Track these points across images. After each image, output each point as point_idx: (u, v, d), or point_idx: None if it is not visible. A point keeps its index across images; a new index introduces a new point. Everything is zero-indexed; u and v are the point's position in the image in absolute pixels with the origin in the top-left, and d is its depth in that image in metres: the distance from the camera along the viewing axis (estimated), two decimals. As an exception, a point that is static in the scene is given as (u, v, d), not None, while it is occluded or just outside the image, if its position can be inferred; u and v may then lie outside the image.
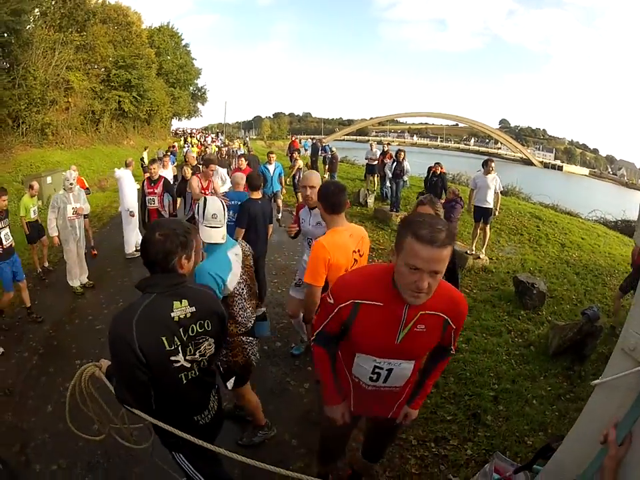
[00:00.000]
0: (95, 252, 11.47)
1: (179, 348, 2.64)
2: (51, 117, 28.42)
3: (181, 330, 2.63)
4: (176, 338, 2.61)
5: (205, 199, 3.97)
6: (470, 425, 5.11)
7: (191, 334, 2.69)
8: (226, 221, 3.97)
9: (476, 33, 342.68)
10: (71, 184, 8.75)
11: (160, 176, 10.15)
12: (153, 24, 57.19)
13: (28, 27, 25.71)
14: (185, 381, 2.73)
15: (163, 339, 2.55)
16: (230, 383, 4.13)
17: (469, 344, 7.03)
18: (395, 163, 15.71)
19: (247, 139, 58.18)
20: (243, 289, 4.12)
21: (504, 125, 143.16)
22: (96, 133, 37.41)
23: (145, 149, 29.17)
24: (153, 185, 9.95)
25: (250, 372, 4.40)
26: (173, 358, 2.61)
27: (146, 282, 2.64)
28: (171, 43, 58.35)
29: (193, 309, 2.68)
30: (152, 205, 9.93)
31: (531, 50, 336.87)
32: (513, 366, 6.53)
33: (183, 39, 61.23)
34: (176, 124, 69.23)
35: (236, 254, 4.07)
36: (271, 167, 13.62)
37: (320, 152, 24.15)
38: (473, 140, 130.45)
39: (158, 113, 50.17)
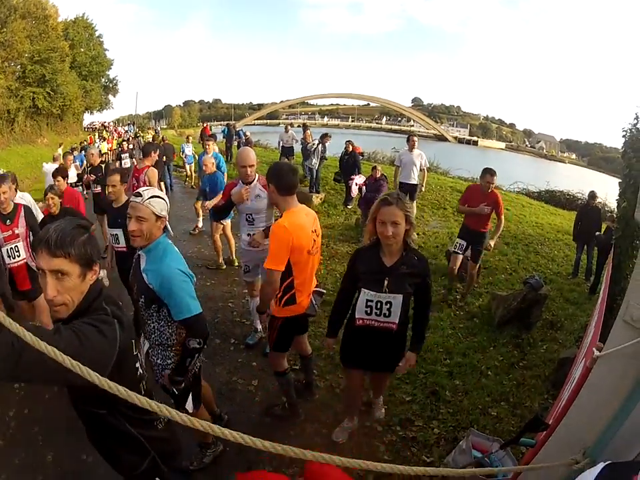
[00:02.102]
0: None
1: (138, 355, 2.42)
2: None
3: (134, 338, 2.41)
4: (133, 342, 2.35)
5: (159, 192, 3.48)
6: (431, 403, 5.04)
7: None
8: None
9: (392, 16, 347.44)
10: None
11: (16, 204, 5.87)
12: (69, 16, 55.23)
13: None
14: (143, 391, 2.48)
15: (132, 342, 2.31)
16: (189, 405, 3.70)
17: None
18: (319, 145, 15.45)
19: (158, 128, 57.28)
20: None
21: (417, 103, 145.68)
22: (11, 133, 36.55)
23: (60, 146, 28.43)
24: (5, 221, 5.63)
25: (200, 381, 4.00)
26: (137, 365, 2.39)
27: (94, 294, 2.23)
28: (84, 34, 56.60)
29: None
30: (15, 260, 5.74)
31: (447, 30, 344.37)
32: (461, 339, 6.55)
33: (96, 30, 59.52)
34: (88, 118, 66.93)
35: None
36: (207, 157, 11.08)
37: (234, 137, 23.83)
38: (384, 119, 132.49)
39: (70, 107, 48.89)
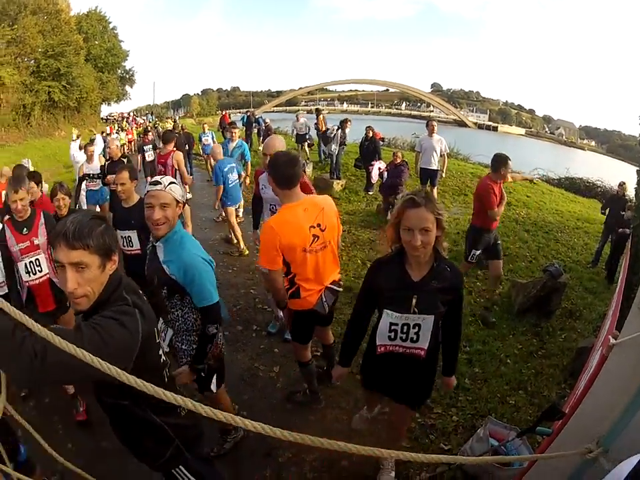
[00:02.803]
0: None
1: (160, 340, 2.43)
2: None
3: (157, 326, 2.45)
4: (156, 330, 2.35)
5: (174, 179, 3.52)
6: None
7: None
8: None
9: (409, 1, 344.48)
10: None
11: (35, 209, 5.11)
12: (82, 10, 55.04)
13: None
14: (166, 378, 2.50)
15: (155, 330, 2.31)
16: (214, 385, 3.76)
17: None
18: (339, 130, 15.41)
19: (177, 117, 57.29)
20: None
21: (436, 88, 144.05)
22: (28, 127, 36.52)
23: (77, 137, 28.58)
24: (21, 229, 4.85)
25: (223, 365, 4.03)
26: (160, 352, 2.41)
27: (114, 284, 2.21)
28: (98, 27, 56.27)
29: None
30: (36, 276, 4.92)
31: (465, 16, 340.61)
32: (480, 326, 6.55)
33: (110, 22, 59.17)
34: (105, 109, 66.73)
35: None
36: (232, 145, 11.42)
37: (254, 125, 23.78)
38: (404, 104, 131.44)
39: (87, 99, 48.48)
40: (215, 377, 3.73)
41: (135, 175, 5.68)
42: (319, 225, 4.02)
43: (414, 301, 2.96)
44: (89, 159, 10.42)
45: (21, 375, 1.74)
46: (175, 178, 8.76)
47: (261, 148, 17.07)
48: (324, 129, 16.90)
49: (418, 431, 4.48)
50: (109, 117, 62.78)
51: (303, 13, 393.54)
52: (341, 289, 4.51)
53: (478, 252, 6.86)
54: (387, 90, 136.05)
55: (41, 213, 5.05)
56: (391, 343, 3.16)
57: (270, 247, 3.82)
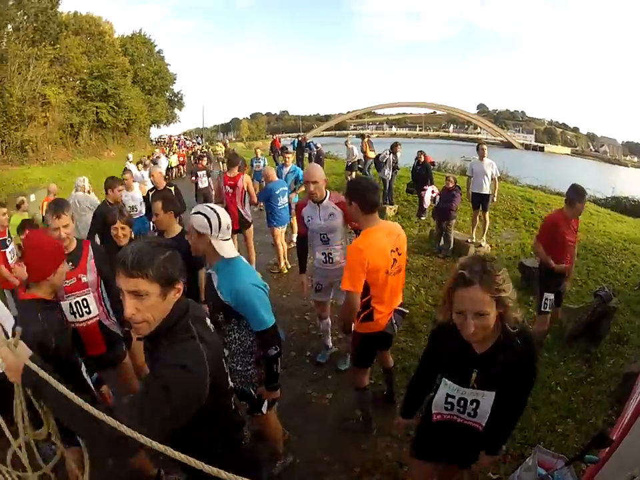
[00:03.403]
0: None
1: (226, 369, 2.41)
2: (30, 134, 28.38)
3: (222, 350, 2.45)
4: (223, 360, 2.36)
5: (212, 208, 3.44)
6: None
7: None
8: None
9: (450, 22, 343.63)
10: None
11: (81, 240, 4.57)
12: (125, 33, 56.57)
13: (1, 43, 25.49)
14: (233, 406, 2.48)
15: (222, 361, 2.32)
16: (265, 407, 3.75)
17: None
18: (390, 155, 15.17)
19: (227, 141, 58.00)
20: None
21: (482, 109, 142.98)
22: (76, 146, 37.20)
23: (128, 159, 28.98)
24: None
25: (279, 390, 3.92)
26: (229, 380, 2.42)
27: (178, 313, 2.15)
28: (144, 50, 57.71)
29: (208, 320, 2.42)
30: (83, 318, 4.29)
31: (504, 34, 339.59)
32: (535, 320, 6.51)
33: (155, 45, 60.76)
34: (155, 132, 68.27)
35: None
36: (286, 170, 11.41)
37: (305, 149, 23.70)
38: (452, 126, 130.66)
39: (136, 121, 49.58)
40: (266, 401, 3.73)
41: (170, 206, 5.22)
42: (397, 249, 4.15)
43: (474, 375, 2.57)
44: (127, 186, 9.52)
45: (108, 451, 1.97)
46: (244, 200, 9.08)
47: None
48: (369, 153, 16.96)
49: (468, 460, 4.44)
50: (159, 140, 63.59)
51: (347, 36, 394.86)
52: (407, 311, 4.60)
53: (551, 296, 6.14)
54: (435, 112, 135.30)
55: (89, 246, 4.43)
56: (448, 412, 2.82)
57: (358, 269, 3.87)
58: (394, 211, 14.73)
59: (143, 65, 56.92)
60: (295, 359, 6.44)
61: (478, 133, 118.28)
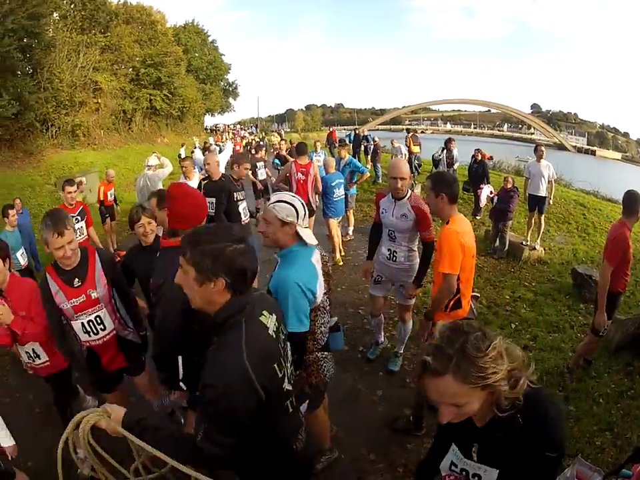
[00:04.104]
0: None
1: (284, 370, 2.32)
2: (81, 119, 28.52)
3: (279, 346, 2.32)
4: (281, 359, 2.29)
5: (294, 196, 3.33)
6: None
7: (282, 345, 2.38)
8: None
9: (504, 20, 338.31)
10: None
11: (86, 248, 4.05)
12: (178, 22, 57.60)
13: (48, 30, 25.83)
14: (290, 409, 2.43)
15: (275, 367, 2.21)
16: (303, 407, 3.44)
17: (536, 341, 6.85)
18: (444, 151, 15.38)
19: (282, 131, 58.08)
20: (326, 301, 3.65)
21: (536, 109, 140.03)
22: (129, 132, 37.37)
23: (182, 145, 29.25)
24: (72, 281, 3.77)
25: (323, 392, 3.97)
26: (283, 385, 2.30)
27: (229, 310, 2.12)
28: (197, 40, 58.40)
29: (274, 315, 2.35)
30: (98, 336, 3.94)
31: (557, 34, 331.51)
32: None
33: (209, 36, 61.50)
34: (209, 120, 69.11)
35: (317, 260, 3.50)
36: (343, 162, 11.30)
37: (362, 142, 23.45)
38: (506, 126, 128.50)
39: (190, 109, 49.79)
40: (306, 402, 3.51)
41: (162, 205, 4.11)
42: (474, 237, 4.32)
43: (474, 448, 2.13)
44: (187, 175, 9.26)
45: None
46: (313, 188, 9.13)
47: (369, 167, 16.88)
48: (413, 148, 17.02)
49: (510, 468, 4.38)
50: (214, 128, 64.08)
51: (401, 31, 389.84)
52: (479, 295, 4.64)
53: (609, 322, 5.46)
54: (489, 110, 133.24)
55: (95, 253, 3.93)
56: (453, 472, 2.31)
57: (457, 250, 3.95)
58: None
59: (196, 54, 57.62)
60: (347, 353, 6.32)
61: (531, 134, 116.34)
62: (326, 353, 3.73)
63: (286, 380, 2.34)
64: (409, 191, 5.31)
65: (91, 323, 3.79)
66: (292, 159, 10.06)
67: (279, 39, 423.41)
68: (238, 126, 71.92)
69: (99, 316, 3.83)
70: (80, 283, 3.71)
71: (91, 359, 3.96)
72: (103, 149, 30.33)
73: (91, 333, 3.82)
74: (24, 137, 23.26)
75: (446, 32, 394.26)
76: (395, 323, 6.46)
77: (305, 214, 3.28)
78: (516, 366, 1.76)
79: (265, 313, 2.28)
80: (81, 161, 24.89)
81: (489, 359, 1.67)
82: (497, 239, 11.08)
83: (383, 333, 6.34)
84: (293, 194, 3.40)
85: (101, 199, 12.17)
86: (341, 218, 10.24)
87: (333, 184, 9.51)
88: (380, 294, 5.86)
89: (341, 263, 9.86)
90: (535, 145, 11.76)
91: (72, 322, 3.72)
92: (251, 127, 77.72)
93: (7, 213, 7.77)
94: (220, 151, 18.00)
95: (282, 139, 19.18)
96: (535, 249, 10.74)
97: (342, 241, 10.62)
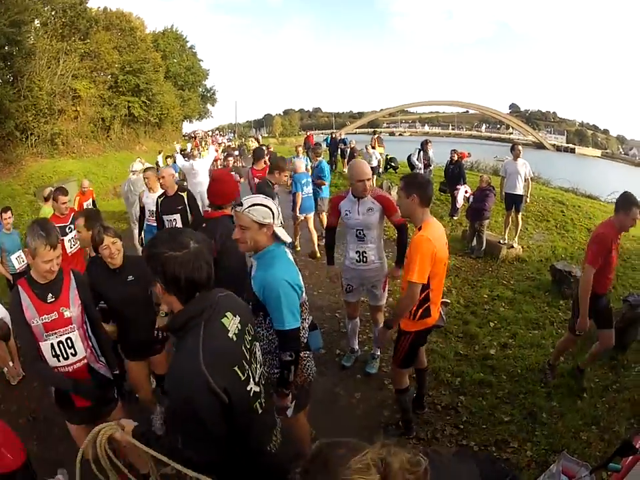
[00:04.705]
0: None
1: (249, 371, 2.28)
2: (60, 127, 28.72)
3: (243, 349, 2.27)
4: (244, 362, 2.24)
5: (265, 198, 3.33)
6: (527, 424, 4.91)
7: (247, 347, 2.32)
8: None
9: (482, 22, 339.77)
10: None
11: (61, 267, 3.61)
12: (157, 28, 57.39)
13: (29, 37, 25.94)
14: (260, 410, 2.37)
15: (236, 369, 2.18)
16: (290, 411, 3.50)
17: (516, 339, 6.85)
18: (421, 153, 15.35)
19: (260, 137, 57.95)
20: (306, 297, 3.62)
21: (514, 109, 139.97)
22: (107, 140, 37.43)
23: (159, 153, 29.23)
24: (45, 295, 3.50)
25: (309, 392, 3.92)
26: (248, 387, 2.26)
27: (186, 314, 2.11)
28: (176, 45, 58.51)
29: (238, 317, 2.29)
30: (68, 362, 3.59)
31: (535, 34, 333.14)
32: (561, 359, 6.24)
33: (187, 41, 61.59)
34: (187, 126, 68.86)
35: (290, 254, 3.51)
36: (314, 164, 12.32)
37: (339, 145, 23.54)
38: (484, 126, 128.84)
39: (169, 116, 49.95)
40: (293, 404, 3.51)
41: (94, 224, 4.31)
42: (446, 244, 4.26)
43: None
44: (150, 186, 8.07)
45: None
46: None
47: (345, 170, 16.98)
48: (378, 149, 17.37)
49: (492, 466, 4.39)
50: (193, 135, 63.92)
51: (380, 35, 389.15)
52: (449, 301, 4.59)
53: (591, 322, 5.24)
54: (467, 111, 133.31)
55: (70, 273, 3.71)
56: None
57: (427, 259, 3.86)
58: (426, 210, 14.38)
59: (175, 60, 57.75)
60: (324, 357, 6.37)
61: (510, 133, 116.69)
62: (308, 352, 3.71)
63: (252, 382, 2.30)
64: None
65: (61, 345, 3.49)
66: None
67: (257, 44, 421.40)
68: (216, 132, 71.75)
69: (70, 338, 3.53)
70: (53, 299, 3.47)
71: (58, 392, 3.63)
72: (82, 157, 30.44)
73: (60, 357, 3.51)
74: (4, 146, 23.43)
75: (424, 35, 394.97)
76: (372, 324, 6.41)
77: (278, 213, 3.29)
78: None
79: (227, 314, 2.24)
80: (60, 170, 24.99)
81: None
82: (474, 239, 11.10)
83: (357, 340, 6.32)
84: (262, 196, 3.39)
85: (77, 209, 11.81)
86: (311, 214, 10.69)
87: (302, 182, 10.29)
88: (354, 299, 5.85)
89: (319, 255, 10.23)
90: (512, 144, 11.78)
91: (40, 343, 3.42)
92: (229, 132, 77.55)
93: (1, 217, 7.83)
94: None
95: (259, 145, 19.20)
96: (512, 247, 10.79)
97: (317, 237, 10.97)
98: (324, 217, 11.53)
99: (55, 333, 3.44)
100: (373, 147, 18.11)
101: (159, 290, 2.13)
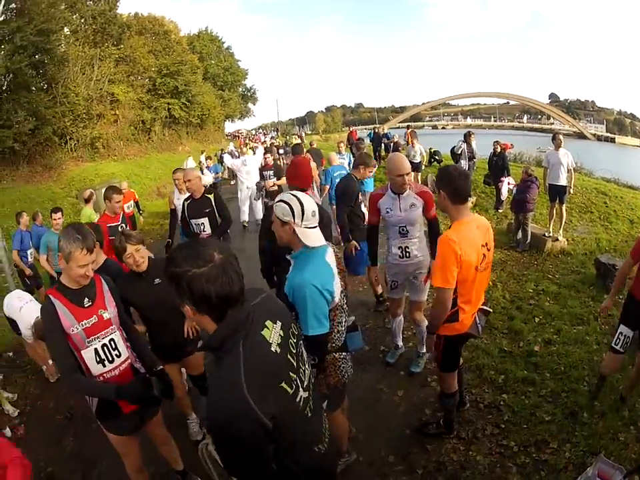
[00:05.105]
0: None
1: (297, 380, 2.10)
2: (100, 131, 28.89)
3: (289, 358, 2.09)
4: (291, 373, 2.06)
5: (295, 195, 3.18)
6: (568, 424, 4.70)
7: (293, 351, 2.15)
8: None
9: (517, 10, 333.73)
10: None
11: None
12: (191, 31, 57.81)
13: (59, 45, 26.13)
14: (310, 414, 2.20)
15: (283, 385, 1.99)
16: (324, 404, 3.28)
17: (560, 335, 6.58)
18: (464, 145, 14.83)
19: (303, 134, 57.78)
20: (343, 300, 3.46)
21: (554, 99, 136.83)
22: (149, 142, 37.55)
23: (202, 153, 29.35)
24: (81, 300, 3.35)
25: (343, 393, 3.84)
26: (297, 398, 2.08)
27: (221, 334, 1.94)
28: (212, 47, 58.46)
29: (279, 323, 2.12)
30: (113, 365, 3.45)
31: (572, 22, 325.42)
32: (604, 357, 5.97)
33: (224, 42, 61.51)
34: (229, 126, 69.45)
35: (331, 258, 3.33)
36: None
37: (382, 139, 23.51)
38: (525, 117, 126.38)
39: (210, 116, 49.83)
40: (325, 402, 3.35)
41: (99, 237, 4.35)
42: (486, 244, 3.83)
43: None
44: (179, 188, 8.13)
45: None
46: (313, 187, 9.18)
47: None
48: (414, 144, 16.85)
49: (530, 467, 4.24)
50: (237, 134, 63.96)
51: (417, 27, 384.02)
52: (491, 310, 4.35)
53: (631, 333, 4.57)
54: (508, 103, 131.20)
55: (101, 279, 3.57)
56: None
57: (451, 263, 3.56)
58: (472, 203, 14.12)
59: (212, 61, 57.74)
60: (368, 354, 6.29)
61: (551, 124, 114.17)
62: (344, 353, 3.58)
63: (301, 389, 2.13)
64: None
65: (105, 348, 3.36)
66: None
67: (295, 42, 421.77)
68: (260, 130, 71.99)
69: (112, 339, 3.41)
70: (90, 303, 3.33)
71: (102, 401, 3.42)
72: (124, 160, 30.66)
73: (106, 362, 3.36)
74: (43, 152, 23.69)
75: (460, 26, 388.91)
76: (416, 322, 6.25)
77: (302, 213, 3.10)
78: None
79: (267, 324, 2.06)
80: (102, 172, 25.17)
81: None
82: (519, 232, 10.80)
83: (401, 337, 6.16)
84: (299, 194, 3.24)
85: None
86: None
87: (335, 174, 10.10)
88: (398, 295, 5.68)
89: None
90: (553, 134, 11.37)
91: (82, 351, 3.25)
92: (272, 130, 77.77)
93: (51, 217, 8.54)
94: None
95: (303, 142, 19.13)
96: (557, 240, 10.45)
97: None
98: (366, 210, 11.61)
99: (98, 337, 3.32)
100: (407, 142, 17.76)
101: (188, 312, 1.95)
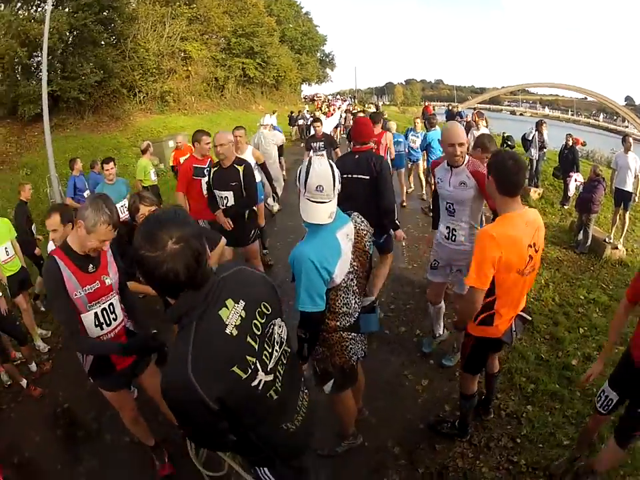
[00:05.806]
0: None
1: (257, 364, 1.94)
2: (170, 85, 29.10)
3: (248, 341, 1.92)
4: (248, 357, 1.90)
5: (310, 160, 2.88)
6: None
7: (257, 332, 1.97)
8: (336, 192, 2.88)
9: (600, 7, 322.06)
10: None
11: None
12: None
13: (128, 3, 26.29)
14: (275, 396, 2.06)
15: (235, 369, 1.84)
16: (327, 387, 3.38)
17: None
18: (536, 132, 13.69)
19: (380, 104, 57.09)
20: (352, 281, 3.12)
21: (629, 102, 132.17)
22: (221, 98, 37.59)
23: (273, 113, 28.91)
24: (86, 266, 3.28)
25: (352, 375, 3.53)
26: (254, 383, 1.92)
27: (176, 312, 1.84)
28: (290, 11, 58.07)
29: (242, 302, 1.94)
30: (110, 327, 3.47)
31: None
32: None
33: (302, 7, 61.42)
34: (306, 89, 69.38)
35: (347, 234, 3.01)
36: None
37: (455, 118, 22.15)
38: (602, 115, 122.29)
39: (286, 78, 49.68)
40: (331, 381, 3.36)
41: (68, 218, 4.24)
42: (534, 245, 3.16)
43: None
44: (238, 146, 7.43)
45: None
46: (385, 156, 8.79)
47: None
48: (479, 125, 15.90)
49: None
50: (314, 97, 63.06)
51: (501, 8, 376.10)
52: (530, 318, 3.76)
53: (611, 394, 3.43)
54: (585, 98, 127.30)
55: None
56: None
57: (487, 261, 3.02)
58: (538, 194, 13.40)
59: (290, 25, 57.66)
60: (402, 335, 5.90)
61: (626, 127, 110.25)
62: (354, 334, 3.31)
63: (261, 373, 1.97)
64: (467, 157, 4.46)
65: (104, 312, 3.34)
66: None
67: (377, 11, 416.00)
68: (337, 96, 71.66)
69: (112, 303, 3.40)
70: (94, 269, 3.27)
71: (95, 360, 3.45)
72: (194, 114, 30.93)
73: (104, 325, 3.36)
74: (110, 103, 24.06)
75: (544, 14, 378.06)
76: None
77: (305, 184, 2.83)
78: None
79: (228, 303, 1.89)
80: (171, 125, 25.52)
81: None
82: (580, 232, 10.04)
83: (441, 325, 5.58)
84: (320, 162, 2.89)
85: (172, 164, 12.47)
86: (403, 170, 11.66)
87: (394, 141, 10.62)
88: (438, 279, 5.07)
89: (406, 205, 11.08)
90: (623, 135, 10.64)
91: (82, 315, 3.22)
92: (349, 97, 77.35)
93: (103, 167, 8.02)
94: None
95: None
96: (617, 248, 9.62)
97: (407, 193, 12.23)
98: (411, 179, 13.24)
99: (98, 302, 3.28)
100: (474, 121, 16.55)
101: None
